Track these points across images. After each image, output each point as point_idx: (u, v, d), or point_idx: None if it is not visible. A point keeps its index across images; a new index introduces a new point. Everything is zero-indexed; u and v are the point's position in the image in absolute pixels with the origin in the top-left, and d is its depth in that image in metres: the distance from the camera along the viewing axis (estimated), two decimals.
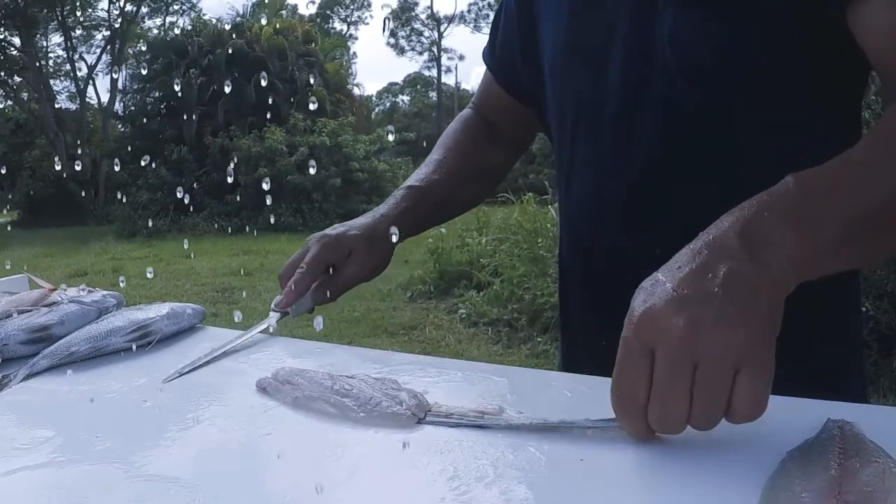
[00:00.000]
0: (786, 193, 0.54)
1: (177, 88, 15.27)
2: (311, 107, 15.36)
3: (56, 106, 17.97)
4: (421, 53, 36.08)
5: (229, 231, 12.62)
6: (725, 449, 0.50)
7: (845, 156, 0.58)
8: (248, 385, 0.66)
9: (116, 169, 16.05)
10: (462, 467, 0.49)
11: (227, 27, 16.90)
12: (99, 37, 20.01)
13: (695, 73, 0.71)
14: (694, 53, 0.71)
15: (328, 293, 0.85)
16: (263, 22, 16.47)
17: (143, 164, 14.34)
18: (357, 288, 0.90)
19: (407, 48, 35.74)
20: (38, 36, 18.33)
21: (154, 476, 0.49)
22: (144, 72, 16.88)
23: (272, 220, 12.60)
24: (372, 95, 36.52)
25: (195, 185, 13.98)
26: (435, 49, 34.71)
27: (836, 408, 0.54)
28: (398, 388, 0.62)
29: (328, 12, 34.96)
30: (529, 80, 0.91)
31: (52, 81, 19.28)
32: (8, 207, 17.48)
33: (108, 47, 19.70)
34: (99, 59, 19.91)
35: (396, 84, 38.16)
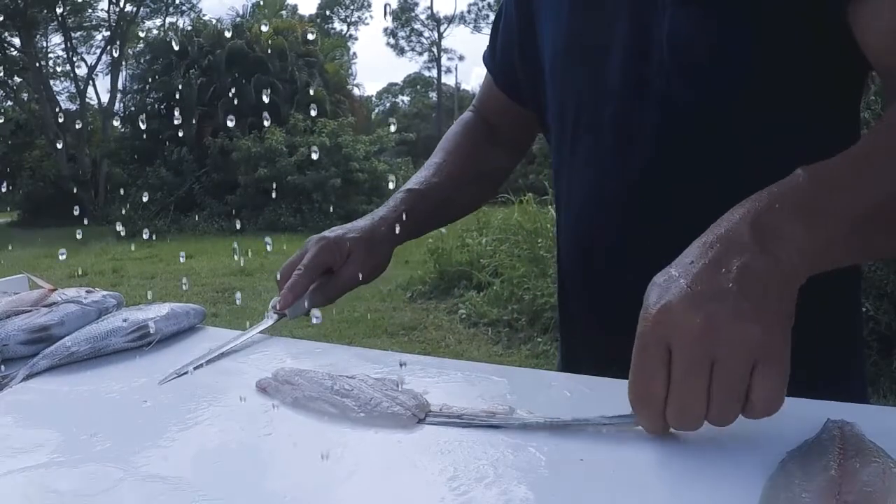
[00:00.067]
0: (796, 186, 0.54)
1: (178, 91, 15.27)
2: (312, 113, 15.36)
3: (59, 109, 17.96)
4: (421, 54, 36.14)
5: (237, 227, 12.63)
6: (725, 449, 0.50)
7: (852, 150, 0.58)
8: (248, 385, 0.66)
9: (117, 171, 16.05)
10: (462, 467, 0.49)
11: (228, 30, 16.88)
12: (99, 37, 20.02)
13: (694, 73, 0.71)
14: (693, 53, 0.71)
15: (326, 296, 0.85)
16: (264, 29, 16.45)
17: (143, 164, 14.36)
18: (357, 288, 0.90)
19: (407, 48, 35.77)
20: (38, 36, 18.33)
21: (154, 476, 0.49)
22: (144, 73, 16.88)
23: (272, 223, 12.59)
24: (372, 96, 36.57)
25: (195, 186, 13.98)
26: (435, 49, 34.73)
27: (836, 408, 0.54)
28: (398, 388, 0.62)
29: (328, 12, 34.98)
30: (529, 82, 0.91)
31: (52, 82, 19.29)
32: (9, 208, 17.48)
33: (108, 48, 19.71)
34: (99, 59, 19.92)
35: (396, 84, 38.21)
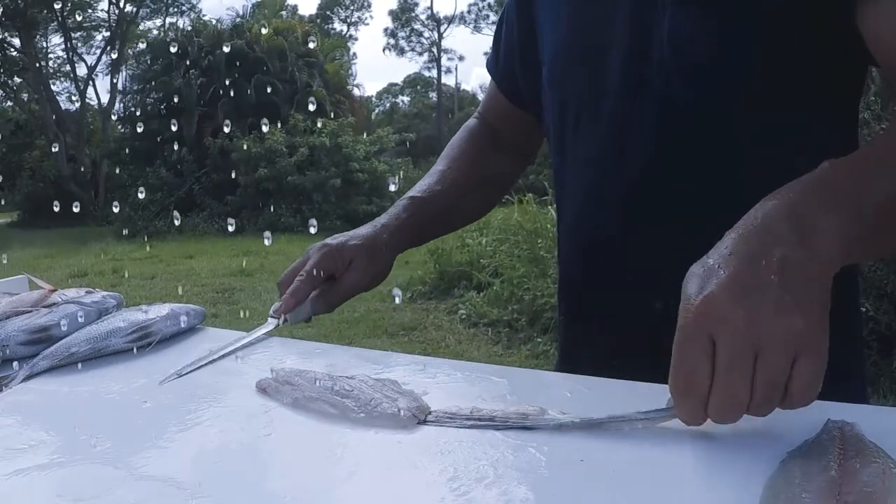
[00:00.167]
0: (826, 178, 0.54)
1: (178, 91, 15.26)
2: (310, 107, 15.36)
3: (57, 109, 17.95)
4: (421, 54, 36.14)
5: (235, 229, 12.64)
6: (725, 449, 0.50)
7: (878, 143, 0.58)
8: (248, 385, 0.66)
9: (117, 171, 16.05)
10: (462, 468, 0.49)
11: (228, 34, 16.88)
12: (99, 37, 20.03)
13: (694, 73, 0.71)
14: (693, 53, 0.71)
15: (328, 302, 0.85)
16: (265, 32, 16.45)
17: (143, 164, 14.37)
18: None
19: (407, 49, 35.77)
20: (38, 37, 18.33)
21: (154, 477, 0.49)
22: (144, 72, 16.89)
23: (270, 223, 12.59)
24: (372, 96, 36.57)
25: (195, 186, 13.99)
26: (435, 50, 34.74)
27: (836, 408, 0.54)
28: (398, 389, 0.62)
29: (328, 13, 34.98)
30: (529, 87, 0.91)
31: (51, 82, 19.28)
32: (8, 209, 17.48)
33: (108, 48, 19.71)
34: (99, 59, 19.92)
35: (396, 85, 38.21)
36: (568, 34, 0.82)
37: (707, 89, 0.71)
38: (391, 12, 35.14)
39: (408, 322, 5.44)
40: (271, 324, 0.82)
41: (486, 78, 1.07)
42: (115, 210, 12.80)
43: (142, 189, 13.55)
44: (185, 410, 0.61)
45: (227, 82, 15.30)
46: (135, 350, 0.79)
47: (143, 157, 14.90)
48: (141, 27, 21.08)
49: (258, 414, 0.60)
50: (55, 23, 18.79)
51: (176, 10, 21.37)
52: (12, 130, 18.16)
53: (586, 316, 0.86)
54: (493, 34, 1.03)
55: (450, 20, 34.66)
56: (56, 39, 20.24)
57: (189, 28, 17.98)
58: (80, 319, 0.83)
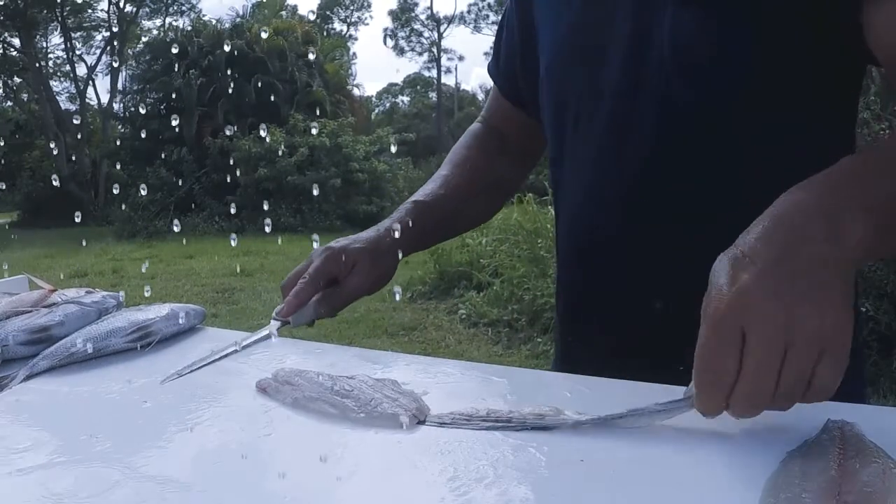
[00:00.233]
0: (849, 173, 0.55)
1: (178, 91, 15.27)
2: (309, 108, 15.35)
3: (57, 109, 17.95)
4: (421, 54, 36.14)
5: (243, 226, 12.66)
6: (725, 449, 0.50)
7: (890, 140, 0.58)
8: (248, 385, 0.66)
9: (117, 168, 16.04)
10: (462, 468, 0.49)
11: (228, 34, 16.88)
12: (99, 37, 20.02)
13: (694, 73, 0.71)
14: (693, 52, 0.71)
15: (331, 306, 0.85)
16: (264, 36, 16.45)
17: (143, 164, 14.37)
18: None
19: (407, 49, 35.78)
20: (38, 37, 18.33)
21: (154, 476, 0.49)
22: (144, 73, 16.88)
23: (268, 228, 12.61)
24: (372, 96, 36.58)
25: (195, 186, 13.99)
26: (435, 50, 34.73)
27: (836, 408, 0.54)
28: (398, 389, 0.62)
29: (328, 13, 34.98)
30: (530, 87, 0.91)
31: (51, 82, 19.28)
32: (8, 209, 17.48)
33: (108, 48, 19.71)
34: (98, 59, 19.92)
35: (396, 85, 38.21)
36: (567, 34, 0.82)
37: (707, 89, 0.71)
38: (391, 12, 35.19)
39: (408, 322, 5.44)
40: (274, 326, 0.82)
41: (487, 78, 1.07)
42: (124, 208, 12.78)
43: (143, 186, 13.52)
44: (185, 410, 0.61)
45: (228, 82, 15.30)
46: (135, 349, 0.79)
47: (143, 157, 14.90)
48: (141, 27, 21.09)
49: (258, 414, 0.60)
50: (55, 23, 18.79)
51: (176, 10, 21.39)
52: (12, 130, 18.16)
53: (586, 316, 0.86)
54: (493, 34, 1.03)
55: (450, 20, 34.69)
56: (56, 39, 20.27)
57: (189, 28, 17.98)
58: (79, 319, 0.83)
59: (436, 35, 34.71)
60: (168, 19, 21.49)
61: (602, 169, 0.79)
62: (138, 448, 0.54)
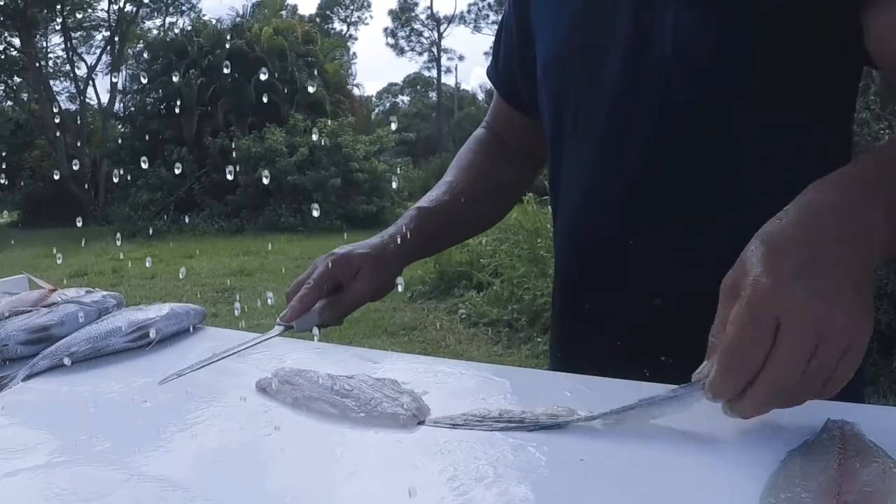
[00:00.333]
0: (874, 172, 0.55)
1: (178, 91, 15.27)
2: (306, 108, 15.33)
3: (57, 109, 17.95)
4: (421, 54, 36.14)
5: (242, 226, 12.68)
6: (726, 449, 0.50)
7: None
8: (248, 385, 0.66)
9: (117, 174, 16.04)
10: (462, 467, 0.49)
11: (228, 34, 16.88)
12: (99, 37, 20.02)
13: (695, 73, 0.71)
14: (694, 52, 0.71)
15: (335, 312, 0.85)
16: (265, 30, 16.46)
17: (142, 164, 14.37)
18: None
19: (407, 48, 35.78)
20: (38, 36, 18.32)
21: (153, 476, 0.49)
22: (145, 75, 16.88)
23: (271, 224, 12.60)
24: (372, 96, 36.58)
25: (195, 186, 13.98)
26: (435, 49, 34.73)
27: (836, 408, 0.54)
28: (398, 388, 0.62)
29: (328, 12, 34.99)
30: (529, 87, 0.91)
31: (51, 82, 19.29)
32: (8, 209, 17.48)
33: (108, 48, 19.70)
34: (99, 59, 19.92)
35: (396, 84, 38.22)
36: (566, 34, 0.82)
37: (707, 89, 0.71)
38: (391, 12, 35.19)
39: (408, 322, 5.44)
40: (277, 330, 0.82)
41: (487, 77, 1.07)
42: (126, 209, 12.80)
43: (145, 194, 13.49)
44: (185, 410, 0.61)
45: (228, 82, 15.30)
46: (135, 349, 0.79)
47: (144, 157, 14.89)
48: (141, 27, 21.08)
49: (258, 414, 0.60)
50: (55, 23, 18.79)
51: (176, 9, 21.39)
52: (12, 130, 18.15)
53: (585, 316, 0.86)
54: (493, 34, 1.03)
55: (450, 20, 34.70)
56: (56, 39, 20.27)
57: (189, 28, 17.98)
58: (80, 319, 0.83)
59: (436, 35, 34.73)
60: (168, 19, 21.52)
61: (602, 169, 0.79)
62: (138, 448, 0.54)
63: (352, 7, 35.56)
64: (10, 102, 19.08)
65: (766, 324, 0.47)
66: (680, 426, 0.54)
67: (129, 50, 19.55)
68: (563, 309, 0.90)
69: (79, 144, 17.62)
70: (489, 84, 1.06)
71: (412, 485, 0.47)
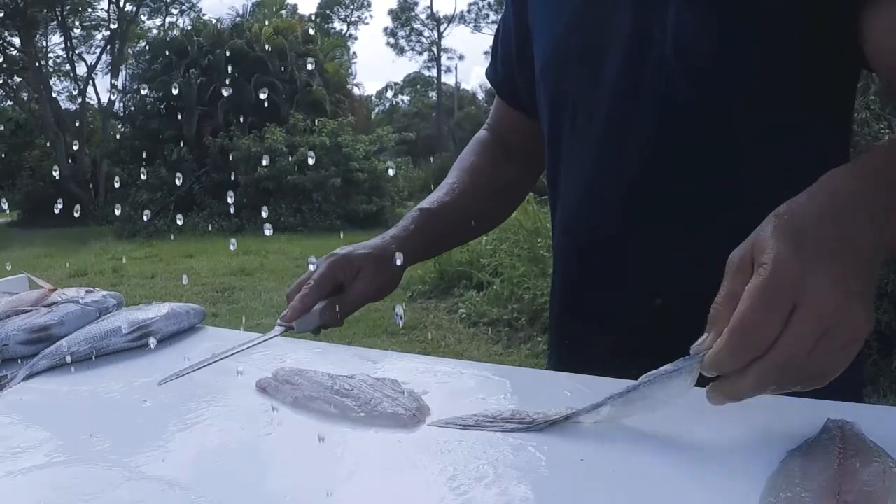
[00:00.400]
0: (884, 165, 0.55)
1: (175, 91, 15.27)
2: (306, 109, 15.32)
3: (57, 109, 17.95)
4: (421, 53, 36.14)
5: (242, 226, 12.68)
6: (726, 449, 0.50)
7: None
8: (248, 385, 0.66)
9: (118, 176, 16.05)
10: (462, 467, 0.49)
11: (228, 33, 16.89)
12: (99, 37, 20.01)
13: (695, 73, 0.71)
14: (695, 52, 0.71)
15: (336, 312, 0.85)
16: (266, 26, 16.45)
17: (143, 164, 14.37)
18: None
19: (407, 48, 35.78)
20: (38, 36, 18.31)
21: (154, 476, 0.49)
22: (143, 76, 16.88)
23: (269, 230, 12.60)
24: (372, 95, 36.58)
25: (195, 186, 13.98)
26: (435, 49, 34.73)
27: (836, 408, 0.54)
28: (398, 388, 0.62)
29: (328, 12, 34.99)
30: (528, 89, 0.91)
31: (51, 81, 19.28)
32: (9, 209, 17.48)
33: (108, 47, 19.70)
34: (99, 59, 19.92)
35: (396, 84, 38.22)
36: (564, 33, 0.82)
37: (707, 89, 0.71)
38: (391, 12, 35.19)
39: (408, 321, 5.44)
40: (277, 330, 0.81)
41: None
42: (125, 209, 12.77)
43: (145, 194, 13.47)
44: (185, 410, 0.61)
45: (227, 82, 15.29)
46: (135, 349, 0.79)
47: (143, 157, 14.89)
48: (141, 27, 21.09)
49: (258, 414, 0.60)
50: (55, 22, 18.79)
51: (176, 9, 21.39)
52: (12, 130, 18.14)
53: (585, 316, 0.86)
54: (493, 33, 1.03)
55: (450, 19, 34.70)
56: (56, 39, 20.27)
57: (189, 28, 17.98)
58: (79, 319, 0.83)
59: (436, 34, 34.73)
60: (168, 19, 21.52)
61: (601, 169, 0.79)
62: (138, 448, 0.54)
63: (352, 7, 35.60)
64: (10, 102, 19.08)
65: (783, 304, 0.46)
66: (680, 426, 0.54)
67: (129, 50, 19.54)
68: (563, 309, 0.90)
69: (78, 144, 17.61)
70: (489, 84, 1.06)
71: (412, 485, 0.47)
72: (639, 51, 0.74)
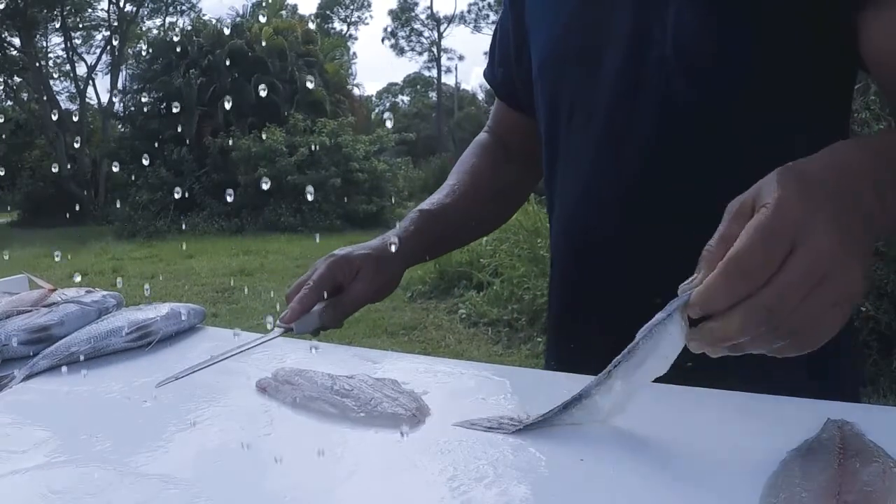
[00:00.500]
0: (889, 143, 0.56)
1: (179, 91, 15.27)
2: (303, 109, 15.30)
3: (57, 109, 17.96)
4: (421, 54, 36.15)
5: (242, 226, 12.68)
6: (726, 448, 0.50)
7: None
8: (248, 385, 0.66)
9: (115, 169, 16.04)
10: (462, 467, 0.49)
11: (227, 28, 16.90)
12: (99, 37, 20.02)
13: (695, 73, 0.71)
14: (695, 52, 0.71)
15: (335, 313, 0.85)
16: (265, 27, 16.44)
17: (143, 164, 14.37)
18: None
19: (407, 48, 35.78)
20: (38, 36, 18.32)
21: (154, 476, 0.49)
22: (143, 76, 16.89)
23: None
24: (372, 95, 36.59)
25: (195, 186, 13.98)
26: (435, 49, 34.74)
27: (836, 408, 0.54)
28: (398, 388, 0.62)
29: (328, 12, 34.99)
30: (526, 89, 0.91)
31: (51, 82, 19.28)
32: (9, 208, 17.48)
33: (108, 47, 19.71)
34: (99, 59, 19.92)
35: (396, 84, 38.23)
36: (563, 34, 0.82)
37: (707, 89, 0.71)
38: (391, 12, 35.20)
39: (408, 321, 5.44)
40: (276, 332, 0.81)
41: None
42: (125, 207, 12.80)
43: (145, 194, 13.46)
44: (185, 410, 0.61)
45: (228, 81, 15.30)
46: (135, 349, 0.79)
47: (144, 157, 14.90)
48: (141, 27, 21.09)
49: (258, 414, 0.60)
50: (55, 22, 18.79)
51: (176, 9, 21.39)
52: (12, 130, 18.14)
53: (584, 316, 0.86)
54: (492, 34, 1.03)
55: (450, 20, 34.71)
56: (56, 39, 20.25)
57: (189, 28, 17.98)
58: (79, 319, 0.83)
59: (436, 35, 34.74)
60: (168, 19, 21.52)
61: (600, 169, 0.79)
62: (138, 448, 0.54)
63: (352, 7, 35.61)
64: (10, 102, 19.08)
65: (782, 242, 0.45)
66: (680, 426, 0.54)
67: (129, 50, 19.54)
68: (562, 309, 0.90)
69: (78, 144, 17.62)
70: (488, 85, 1.06)
71: (412, 485, 0.47)
72: (638, 51, 0.74)
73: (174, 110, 15.91)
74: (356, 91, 23.56)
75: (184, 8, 21.29)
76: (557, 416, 0.54)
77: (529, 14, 0.89)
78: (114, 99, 18.94)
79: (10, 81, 18.52)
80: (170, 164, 14.21)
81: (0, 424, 0.61)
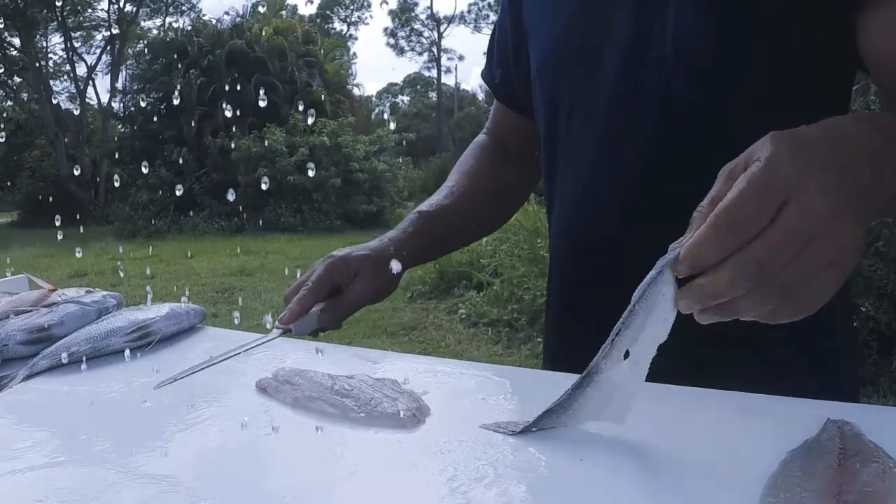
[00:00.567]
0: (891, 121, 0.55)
1: (178, 91, 15.28)
2: (310, 120, 15.30)
3: (56, 103, 17.96)
4: (421, 54, 36.15)
5: (242, 226, 12.68)
6: (726, 448, 0.50)
7: None
8: (248, 385, 0.66)
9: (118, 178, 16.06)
10: (462, 467, 0.49)
11: (227, 28, 16.91)
12: (99, 37, 20.03)
13: (695, 73, 0.71)
14: (695, 52, 0.71)
15: (334, 314, 0.85)
16: (265, 33, 16.45)
17: (143, 164, 14.38)
18: None
19: (407, 48, 35.79)
20: (38, 36, 18.32)
21: (154, 476, 0.49)
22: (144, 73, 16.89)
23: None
24: (372, 96, 36.60)
25: (195, 186, 13.98)
26: (435, 49, 34.74)
27: (836, 408, 0.54)
28: (398, 388, 0.62)
29: (328, 12, 35.00)
30: (524, 89, 0.91)
31: (51, 82, 19.29)
32: (8, 206, 17.48)
33: (108, 48, 19.70)
34: (99, 59, 19.92)
35: (396, 84, 38.23)
36: (562, 34, 0.82)
37: (707, 89, 0.71)
38: (391, 12, 35.21)
39: (408, 322, 5.44)
40: (275, 333, 0.81)
41: None
42: (126, 208, 12.81)
43: (145, 194, 13.45)
44: (185, 410, 0.61)
45: (227, 83, 15.30)
46: (135, 349, 0.79)
47: (144, 157, 14.90)
48: (141, 27, 21.09)
49: (258, 414, 0.60)
50: (55, 23, 18.79)
51: (176, 10, 21.39)
52: (12, 130, 18.14)
53: (583, 316, 0.85)
54: (490, 35, 1.03)
55: (450, 20, 34.71)
56: (56, 39, 20.27)
57: (189, 28, 17.98)
58: (79, 319, 0.83)
59: (436, 35, 34.74)
60: (168, 19, 21.52)
61: (600, 169, 0.79)
62: (138, 448, 0.54)
63: (352, 7, 35.61)
64: (10, 102, 19.08)
65: (774, 196, 0.44)
66: (680, 426, 0.54)
67: (129, 50, 19.54)
68: (560, 309, 0.90)
69: (79, 144, 17.62)
70: (487, 86, 1.06)
71: (412, 485, 0.47)
72: (638, 51, 0.74)
73: (175, 109, 15.89)
74: (356, 91, 23.57)
75: (184, 8, 21.31)
76: (572, 400, 0.52)
77: (528, 14, 0.89)
78: (114, 99, 18.95)
79: (10, 81, 18.52)
80: (170, 165, 14.20)
81: (0, 424, 0.61)
